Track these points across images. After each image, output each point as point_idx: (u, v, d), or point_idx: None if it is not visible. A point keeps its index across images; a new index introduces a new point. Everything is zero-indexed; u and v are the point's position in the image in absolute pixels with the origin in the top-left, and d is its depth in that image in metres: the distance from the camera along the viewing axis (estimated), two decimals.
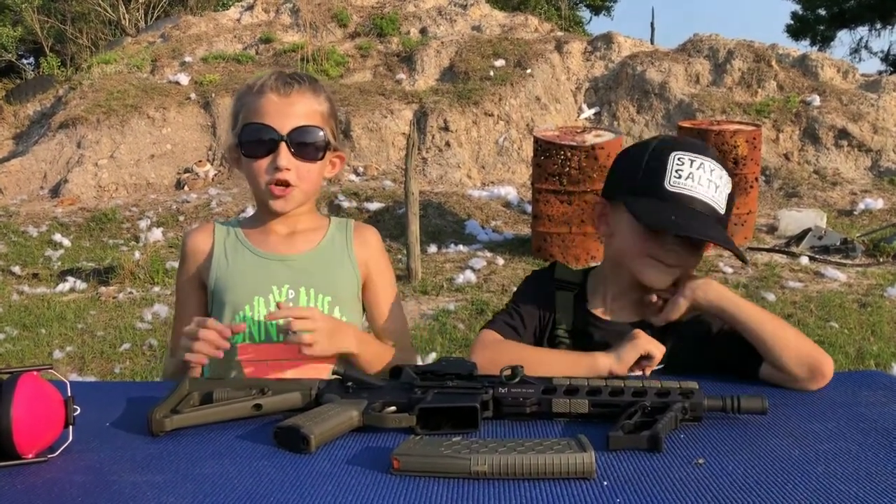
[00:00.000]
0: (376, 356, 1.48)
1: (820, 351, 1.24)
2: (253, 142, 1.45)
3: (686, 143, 1.37)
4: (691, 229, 1.28)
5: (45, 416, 0.99)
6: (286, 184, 1.45)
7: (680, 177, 1.30)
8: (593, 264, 1.55)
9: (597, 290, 1.45)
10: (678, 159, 1.31)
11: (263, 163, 1.45)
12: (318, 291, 1.50)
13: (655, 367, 1.28)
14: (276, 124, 1.43)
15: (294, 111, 1.45)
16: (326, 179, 1.59)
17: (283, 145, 1.43)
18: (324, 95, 1.51)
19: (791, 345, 1.23)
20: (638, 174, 1.34)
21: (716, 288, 1.31)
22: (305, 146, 1.45)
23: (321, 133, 1.47)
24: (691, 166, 1.30)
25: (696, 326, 1.37)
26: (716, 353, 1.34)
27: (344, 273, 1.55)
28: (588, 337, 1.40)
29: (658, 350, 1.25)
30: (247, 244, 1.53)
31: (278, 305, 1.43)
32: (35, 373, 1.02)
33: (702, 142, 1.41)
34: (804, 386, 1.23)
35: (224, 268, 1.51)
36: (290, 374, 1.43)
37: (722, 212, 1.33)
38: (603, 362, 1.26)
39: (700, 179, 1.30)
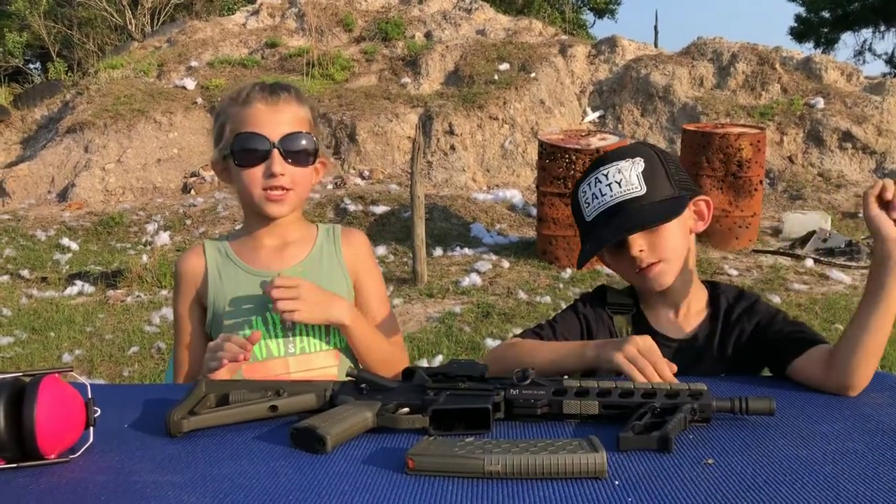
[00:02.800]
0: (373, 340, 1.51)
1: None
2: (245, 151, 1.47)
3: (588, 169, 1.43)
4: (603, 240, 1.37)
5: (67, 417, 1.01)
6: (282, 189, 1.48)
7: (589, 204, 1.40)
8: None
9: (651, 307, 1.46)
10: (581, 192, 1.42)
11: (257, 171, 1.47)
12: None
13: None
14: (267, 132, 1.46)
15: (282, 119, 1.48)
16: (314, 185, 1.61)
17: (275, 152, 1.46)
18: (307, 105, 1.54)
19: (875, 349, 1.20)
20: (578, 226, 1.47)
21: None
22: (297, 152, 1.48)
23: (311, 138, 1.50)
24: (590, 189, 1.40)
25: (759, 323, 1.40)
26: (770, 340, 1.36)
27: (336, 283, 1.56)
28: None
29: (648, 347, 1.21)
30: (238, 262, 1.55)
31: (269, 286, 1.43)
32: (57, 375, 1.04)
33: (601, 156, 1.44)
34: (831, 389, 1.22)
35: (220, 289, 1.53)
36: None
37: (639, 193, 1.35)
38: (590, 353, 1.28)
39: (599, 191, 1.38)
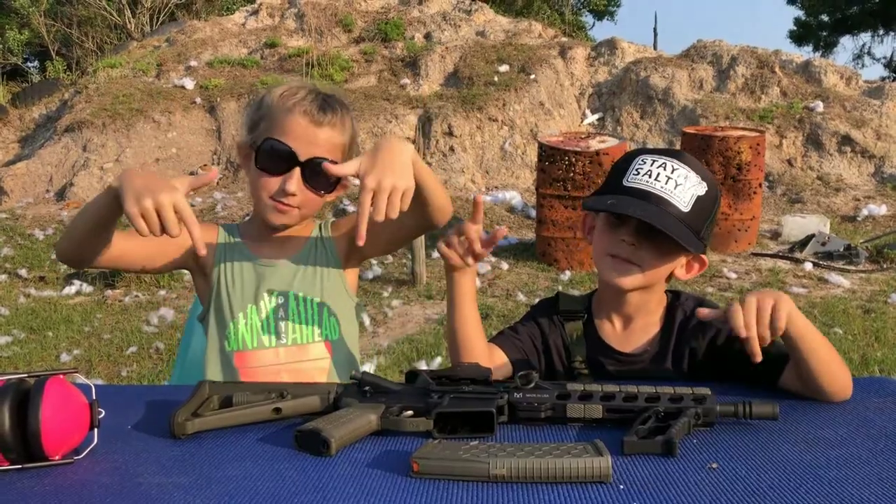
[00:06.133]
0: (435, 181, 1.38)
1: (849, 381, 1.23)
2: (270, 158, 1.45)
3: (661, 150, 1.39)
4: (627, 210, 1.29)
5: (71, 418, 1.01)
6: (289, 205, 1.47)
7: (638, 174, 1.33)
8: (596, 270, 1.54)
9: (602, 316, 1.45)
10: (642, 160, 1.35)
11: (273, 181, 1.45)
12: (306, 294, 1.54)
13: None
14: (298, 148, 1.43)
15: (318, 140, 1.44)
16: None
17: (297, 171, 1.44)
18: (349, 133, 1.51)
19: (834, 376, 1.21)
20: (608, 179, 1.40)
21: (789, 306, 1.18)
22: (318, 178, 1.45)
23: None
24: (651, 165, 1.33)
25: (715, 339, 1.38)
26: (736, 360, 1.33)
27: (330, 272, 1.57)
28: (603, 367, 1.41)
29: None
30: (244, 250, 1.56)
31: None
32: (62, 376, 1.04)
33: (682, 152, 1.41)
34: (822, 400, 1.23)
35: (224, 269, 1.54)
36: (285, 378, 1.45)
37: (682, 208, 1.31)
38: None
39: (658, 176, 1.32)
